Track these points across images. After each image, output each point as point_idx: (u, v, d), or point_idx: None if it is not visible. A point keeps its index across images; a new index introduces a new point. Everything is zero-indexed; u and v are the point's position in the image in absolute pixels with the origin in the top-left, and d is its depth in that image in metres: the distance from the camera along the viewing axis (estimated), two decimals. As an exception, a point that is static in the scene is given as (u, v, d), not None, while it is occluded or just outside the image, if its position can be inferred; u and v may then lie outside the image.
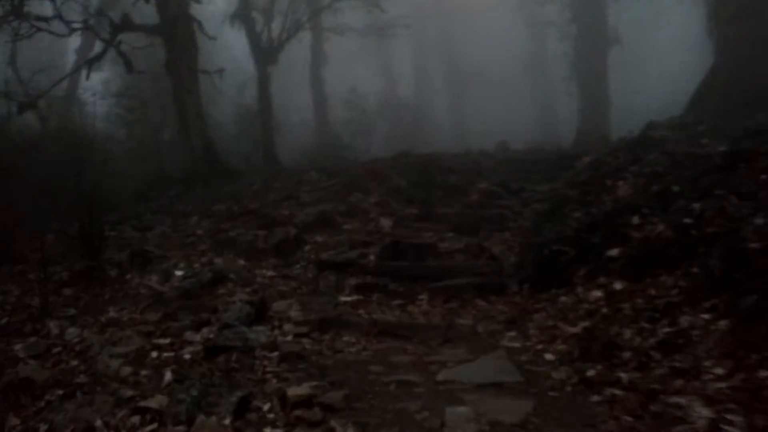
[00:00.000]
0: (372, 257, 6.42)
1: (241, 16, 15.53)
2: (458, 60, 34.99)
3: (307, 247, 7.07)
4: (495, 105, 35.89)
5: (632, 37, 24.62)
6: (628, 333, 4.19)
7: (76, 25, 10.25)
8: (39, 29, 10.17)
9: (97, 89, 17.71)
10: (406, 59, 35.74)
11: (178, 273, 6.37)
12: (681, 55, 36.29)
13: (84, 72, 17.58)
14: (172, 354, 4.38)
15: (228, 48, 21.92)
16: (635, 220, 5.80)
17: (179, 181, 12.09)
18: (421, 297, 5.65)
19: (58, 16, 9.93)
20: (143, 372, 4.11)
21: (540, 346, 4.56)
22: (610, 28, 21.76)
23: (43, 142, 10.03)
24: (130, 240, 7.73)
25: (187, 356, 4.31)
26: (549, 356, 4.35)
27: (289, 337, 4.63)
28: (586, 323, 4.67)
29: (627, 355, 3.96)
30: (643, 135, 10.91)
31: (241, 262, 6.84)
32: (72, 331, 4.96)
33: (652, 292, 4.63)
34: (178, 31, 11.06)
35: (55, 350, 4.64)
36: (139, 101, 14.11)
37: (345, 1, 17.52)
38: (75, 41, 19.39)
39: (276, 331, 4.75)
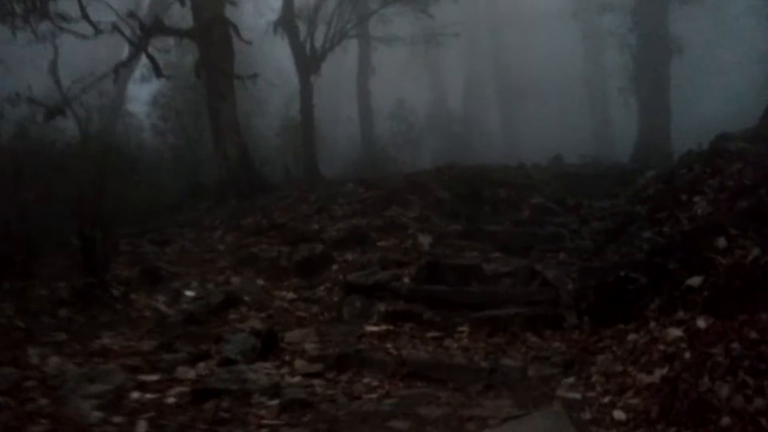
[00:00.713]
0: (406, 279, 5.61)
1: (284, 24, 15.04)
2: (511, 71, 33.94)
3: (334, 266, 6.31)
4: (549, 118, 34.68)
5: (694, 50, 23.18)
6: (724, 389, 3.25)
7: (103, 27, 9.82)
8: (62, 29, 9.82)
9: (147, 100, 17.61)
10: (456, 71, 34.92)
11: (189, 293, 5.70)
12: (745, 70, 34.64)
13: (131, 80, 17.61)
14: (155, 396, 3.64)
15: (275, 59, 21.57)
16: (721, 242, 4.81)
17: (213, 192, 11.54)
18: (460, 329, 4.79)
19: (84, 17, 9.53)
20: (116, 419, 3.38)
21: (606, 399, 3.65)
22: (673, 38, 20.48)
23: (71, 151, 9.59)
24: (145, 255, 7.12)
25: (172, 400, 3.57)
26: (619, 414, 3.44)
27: (297, 378, 3.86)
28: (664, 371, 3.73)
29: (726, 420, 3.03)
30: (717, 147, 9.74)
31: (261, 281, 6.13)
32: (54, 361, 4.30)
33: (752, 334, 3.67)
34: (212, 35, 10.56)
35: (28, 384, 3.97)
36: (173, 109, 13.74)
37: (392, 8, 16.83)
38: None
39: (283, 369, 3.99)
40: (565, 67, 33.13)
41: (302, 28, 15.37)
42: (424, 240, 7.28)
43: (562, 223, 8.36)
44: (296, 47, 15.30)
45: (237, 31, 11.11)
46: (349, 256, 6.56)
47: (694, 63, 23.83)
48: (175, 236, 8.35)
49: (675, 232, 5.26)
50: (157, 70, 10.52)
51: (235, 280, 6.13)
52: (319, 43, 15.55)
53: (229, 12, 11.73)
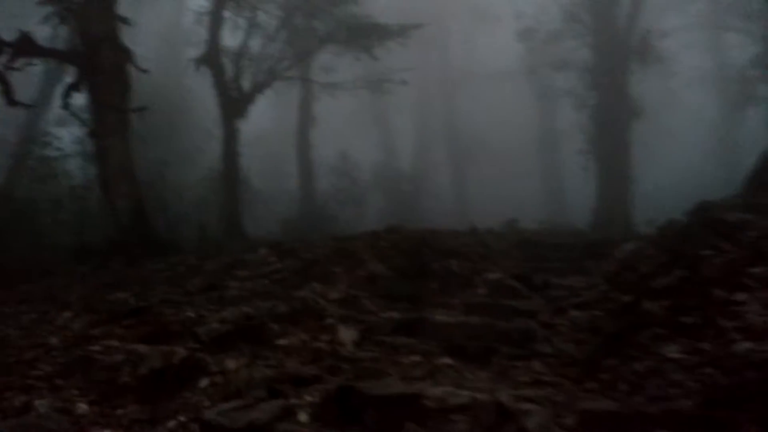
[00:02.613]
0: (303, 417, 3.50)
1: (208, 61, 13.14)
2: (462, 131, 32.79)
3: (203, 383, 4.14)
4: (501, 180, 33.49)
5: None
6: None
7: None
8: None
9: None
10: (406, 129, 33.58)
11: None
12: (692, 138, 34.44)
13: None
14: None
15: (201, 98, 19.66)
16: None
17: (98, 253, 9.27)
18: None
19: None
20: None
21: None
22: (633, 99, 19.42)
23: None
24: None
25: None
26: None
27: None
28: None
29: None
30: (710, 218, 8.15)
31: (82, 407, 3.91)
32: None
33: None
34: (100, 60, 8.53)
35: None
36: (57, 150, 11.53)
37: (332, 48, 15.14)
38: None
39: None
40: (517, 129, 32.20)
41: (228, 67, 13.49)
42: (346, 336, 5.20)
43: (529, 311, 6.40)
44: (221, 87, 13.37)
45: (130, 57, 9.09)
46: (231, 364, 4.40)
47: (642, 131, 22.94)
48: (7, 318, 6.04)
49: (727, 354, 3.33)
50: (7, 95, 8.35)
51: (42, 404, 3.90)
52: (246, 82, 13.66)
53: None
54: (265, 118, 33.08)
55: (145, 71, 9.52)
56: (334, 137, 25.36)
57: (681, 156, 33.50)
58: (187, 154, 21.76)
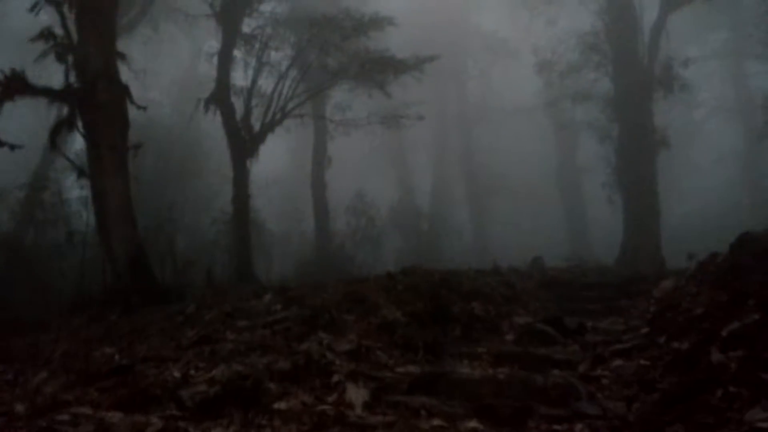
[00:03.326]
0: None
1: (218, 100, 12.74)
2: (480, 169, 32.15)
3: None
4: (521, 218, 32.68)
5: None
6: None
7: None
8: None
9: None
10: (423, 168, 33.02)
11: None
12: (714, 172, 33.48)
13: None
14: None
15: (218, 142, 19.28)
16: None
17: (96, 303, 8.68)
18: None
19: None
20: None
21: None
22: (657, 129, 18.68)
23: None
24: None
25: None
26: None
27: None
28: None
29: None
30: (764, 249, 7.38)
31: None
32: None
33: None
34: (97, 97, 8.07)
35: None
36: (57, 195, 11.08)
37: (345, 85, 14.69)
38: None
39: None
40: (537, 164, 31.52)
41: (238, 106, 13.06)
42: (356, 396, 4.48)
43: (566, 360, 5.64)
44: (230, 127, 12.91)
45: (128, 94, 8.63)
46: (217, 436, 3.71)
47: (664, 162, 22.12)
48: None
49: None
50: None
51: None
52: (256, 121, 13.21)
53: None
54: (282, 160, 32.89)
55: (143, 108, 9.06)
56: (351, 177, 24.89)
57: (705, 188, 32.57)
58: (201, 197, 21.40)
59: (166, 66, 25.74)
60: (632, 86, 18.14)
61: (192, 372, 4.58)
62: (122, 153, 8.50)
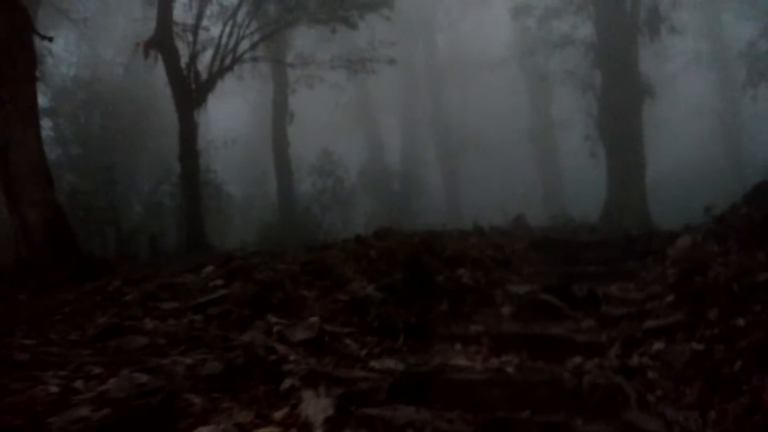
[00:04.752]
0: None
1: (160, 44, 11.09)
2: (451, 126, 30.80)
3: None
4: (494, 176, 31.52)
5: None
6: None
7: None
8: None
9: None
10: (393, 128, 31.51)
11: None
12: (685, 126, 32.58)
13: None
14: None
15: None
16: None
17: (7, 279, 7.18)
18: None
19: None
20: None
21: None
22: (643, 77, 17.46)
23: None
24: None
25: None
26: None
27: None
28: None
29: None
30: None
31: None
32: None
33: None
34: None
35: None
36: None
37: (305, 27, 13.07)
38: None
39: None
40: (510, 121, 30.22)
41: (183, 50, 11.41)
42: (315, 410, 3.16)
43: (588, 343, 4.38)
44: (174, 74, 11.26)
45: (30, 22, 6.99)
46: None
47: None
48: None
49: None
50: None
51: None
52: (204, 67, 11.57)
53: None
54: (242, 118, 31.10)
55: (48, 39, 7.44)
56: (317, 136, 23.34)
57: (679, 143, 31.68)
58: (155, 159, 19.68)
59: (120, 23, 23.71)
60: (616, 30, 16.83)
61: (78, 384, 3.18)
62: (29, 98, 6.92)
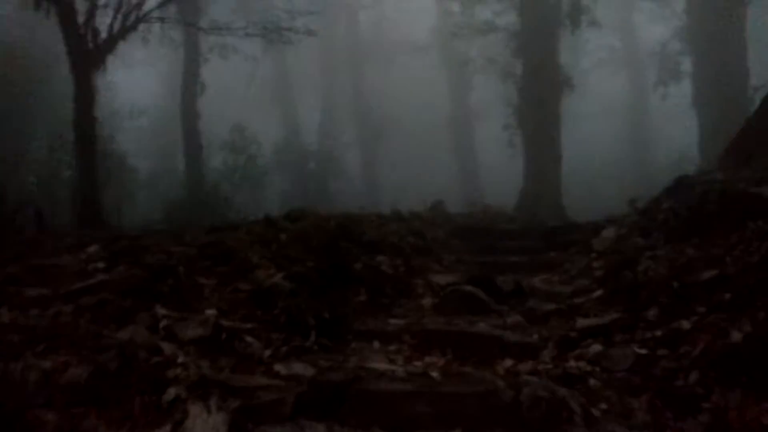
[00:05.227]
0: None
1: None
2: (371, 109, 30.28)
3: None
4: (413, 161, 31.28)
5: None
6: None
7: None
8: None
9: None
10: (312, 108, 30.61)
11: None
12: (598, 121, 33.48)
13: None
14: None
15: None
16: None
17: None
18: None
19: None
20: None
21: None
22: (563, 68, 17.52)
23: None
24: None
25: None
26: None
27: None
28: None
29: None
30: (732, 193, 6.08)
31: None
32: None
33: None
34: None
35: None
36: None
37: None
38: None
39: None
40: (429, 108, 30.03)
41: (81, 5, 10.27)
42: (204, 430, 2.55)
43: (519, 344, 3.97)
44: (70, 31, 10.11)
45: None
46: None
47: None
48: None
49: None
50: None
51: None
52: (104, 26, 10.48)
53: None
54: (153, 89, 29.32)
55: None
56: (231, 111, 22.23)
57: (588, 139, 32.47)
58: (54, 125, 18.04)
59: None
60: (540, 19, 16.76)
61: None
62: None
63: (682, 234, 5.98)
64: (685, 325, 3.51)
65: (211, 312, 3.80)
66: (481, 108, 28.10)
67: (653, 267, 5.21)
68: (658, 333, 3.59)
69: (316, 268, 4.78)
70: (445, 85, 28.98)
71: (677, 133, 26.65)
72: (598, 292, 5.28)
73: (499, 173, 25.32)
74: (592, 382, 3.23)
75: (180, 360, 3.18)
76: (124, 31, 10.51)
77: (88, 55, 10.23)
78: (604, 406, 2.95)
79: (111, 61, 28.14)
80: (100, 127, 18.53)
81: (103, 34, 10.35)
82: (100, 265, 4.38)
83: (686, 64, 21.82)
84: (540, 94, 17.01)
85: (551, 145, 17.16)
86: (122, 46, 20.69)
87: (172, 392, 2.83)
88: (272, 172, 20.87)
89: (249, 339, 3.64)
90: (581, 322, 4.23)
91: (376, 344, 4.09)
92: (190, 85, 16.89)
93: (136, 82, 29.79)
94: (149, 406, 2.77)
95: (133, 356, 3.03)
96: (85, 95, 10.31)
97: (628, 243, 6.61)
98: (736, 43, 17.14)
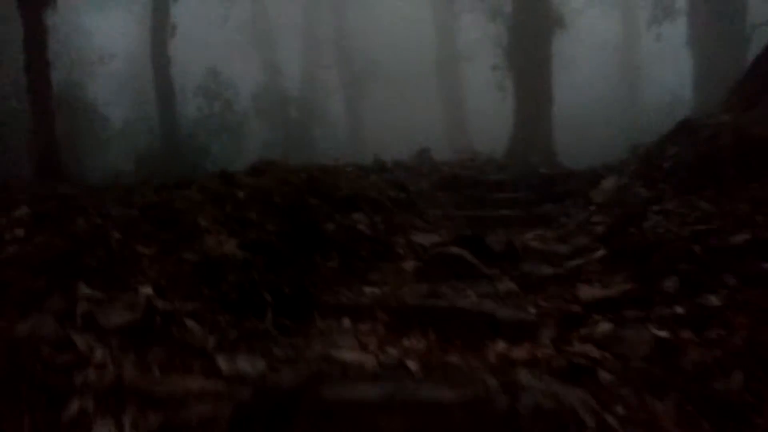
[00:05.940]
0: None
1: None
2: (355, 53, 29.11)
3: None
4: (398, 107, 30.29)
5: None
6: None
7: None
8: None
9: None
10: (292, 52, 29.34)
11: None
12: (584, 64, 32.45)
13: None
14: None
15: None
16: None
17: None
18: None
19: None
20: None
21: None
22: (555, 6, 16.61)
23: None
24: None
25: None
26: None
27: None
28: None
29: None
30: (742, 137, 5.46)
31: None
32: None
33: None
34: None
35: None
36: None
37: None
38: None
39: None
40: (415, 51, 28.90)
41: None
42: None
43: (514, 322, 3.37)
44: (14, -36, 9.14)
45: None
46: None
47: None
48: None
49: None
50: None
51: None
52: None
53: None
54: (127, 34, 27.96)
55: None
56: (207, 56, 21.12)
57: (580, 80, 31.55)
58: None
59: None
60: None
61: None
62: None
63: (692, 184, 5.39)
64: (714, 301, 2.92)
65: (146, 290, 3.16)
66: (470, 49, 27.06)
67: (663, 223, 4.62)
68: (680, 310, 3.00)
69: (279, 231, 4.12)
70: (431, 25, 27.81)
71: (667, 73, 25.90)
72: (600, 252, 4.68)
73: (488, 117, 24.56)
74: (602, 375, 2.64)
75: (96, 357, 2.55)
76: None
77: (35, -9, 9.28)
78: (620, 410, 2.36)
79: (82, 2, 26.73)
80: (67, 72, 17.66)
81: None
82: (19, 232, 3.71)
83: (681, 1, 20.91)
84: (531, 33, 16.17)
85: (543, 88, 16.42)
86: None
87: (74, 406, 2.21)
88: (251, 119, 19.96)
89: (190, 324, 3.01)
90: (585, 293, 3.63)
91: (347, 322, 3.49)
92: (160, 26, 15.83)
93: (112, 25, 28.44)
94: (46, 426, 2.16)
95: (30, 355, 2.39)
96: (35, 36, 9.40)
97: (630, 194, 6.01)
98: (735, -22, 16.28)
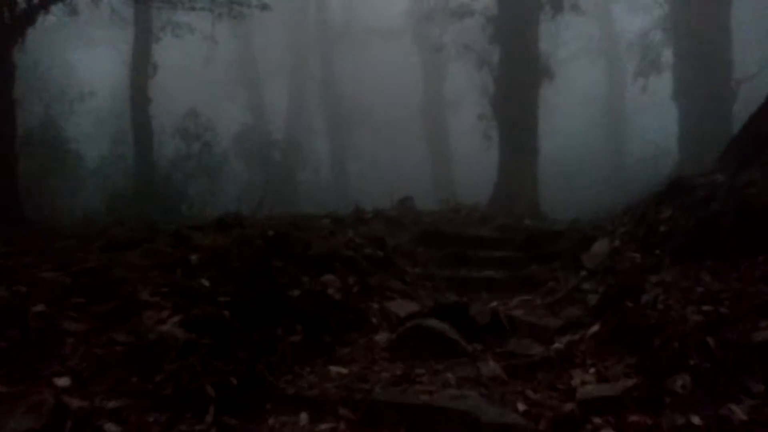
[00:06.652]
0: None
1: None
2: (342, 98, 28.97)
3: None
4: (383, 153, 30.08)
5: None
6: None
7: None
8: None
9: None
10: (279, 96, 29.10)
11: None
12: (571, 114, 32.65)
13: None
14: None
15: None
16: None
17: None
18: None
19: None
20: None
21: None
22: (542, 56, 16.46)
23: None
24: None
25: None
26: None
27: None
28: None
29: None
30: (748, 201, 5.07)
31: None
32: None
33: None
34: None
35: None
36: None
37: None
38: None
39: None
40: (402, 97, 28.82)
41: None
42: None
43: (500, 427, 2.87)
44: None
45: None
46: None
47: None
48: None
49: None
50: None
51: None
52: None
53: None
54: (109, 73, 27.63)
55: None
56: (191, 96, 20.75)
57: (565, 131, 31.58)
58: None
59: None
60: (519, 3, 15.65)
61: None
62: None
63: (691, 252, 4.96)
64: (739, 413, 2.45)
65: (61, 383, 2.63)
66: (456, 97, 27.07)
67: (663, 299, 4.18)
68: (697, 421, 2.52)
69: (233, 302, 3.61)
70: (418, 73, 27.79)
71: (651, 124, 25.97)
72: (595, 328, 4.24)
73: (472, 164, 24.36)
74: None
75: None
76: (46, 1, 9.13)
77: (2, 27, 8.86)
78: None
79: (68, 39, 26.37)
80: (46, 109, 17.19)
81: (23, 5, 8.97)
82: None
83: (667, 56, 21.02)
84: (518, 83, 15.95)
85: (528, 138, 16.12)
86: (79, 24, 19.23)
87: None
88: (232, 161, 19.49)
89: (109, 428, 2.47)
90: (581, 389, 3.13)
91: (304, 418, 2.97)
92: (141, 65, 15.46)
93: (95, 62, 28.12)
94: None
95: None
96: (3, 71, 8.94)
97: (624, 260, 5.57)
98: (720, 34, 16.31)
